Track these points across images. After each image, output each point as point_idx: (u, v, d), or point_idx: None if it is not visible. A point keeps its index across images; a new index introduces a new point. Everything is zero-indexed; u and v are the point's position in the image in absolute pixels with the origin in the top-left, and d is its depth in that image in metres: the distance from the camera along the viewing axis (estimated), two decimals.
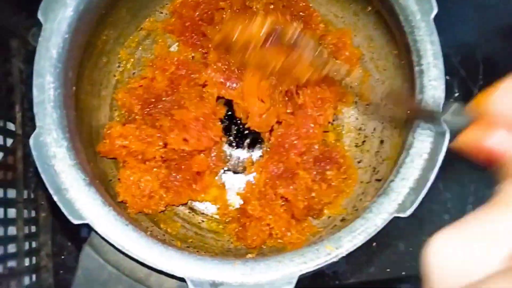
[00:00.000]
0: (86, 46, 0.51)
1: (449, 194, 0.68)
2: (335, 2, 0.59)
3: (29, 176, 0.70)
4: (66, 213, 0.40)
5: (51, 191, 0.41)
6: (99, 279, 0.42)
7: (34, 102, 0.42)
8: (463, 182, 0.69)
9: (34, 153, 0.41)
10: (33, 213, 0.70)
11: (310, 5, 0.58)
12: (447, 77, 0.71)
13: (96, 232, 0.40)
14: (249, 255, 0.47)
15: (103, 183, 0.52)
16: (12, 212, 0.65)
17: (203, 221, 0.59)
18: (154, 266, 0.40)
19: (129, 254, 0.40)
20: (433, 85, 0.43)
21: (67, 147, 0.42)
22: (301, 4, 0.56)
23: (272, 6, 0.56)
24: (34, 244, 0.69)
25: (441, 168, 0.44)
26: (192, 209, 0.60)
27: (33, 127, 0.43)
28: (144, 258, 0.40)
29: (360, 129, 0.61)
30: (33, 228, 0.70)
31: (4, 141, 0.65)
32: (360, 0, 0.54)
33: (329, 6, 0.60)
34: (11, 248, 0.62)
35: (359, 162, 0.59)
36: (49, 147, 0.41)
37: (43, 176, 0.41)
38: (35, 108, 0.42)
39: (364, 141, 0.60)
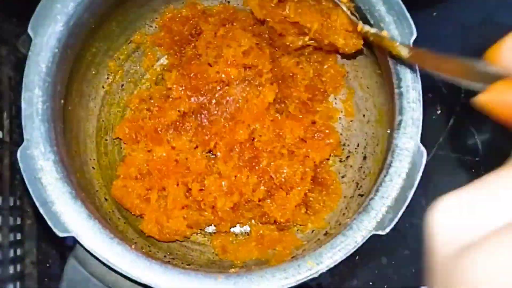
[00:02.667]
0: (76, 59, 0.51)
1: None
2: None
3: (15, 184, 0.70)
4: (51, 225, 0.41)
5: (37, 204, 0.41)
6: None
7: (23, 115, 0.42)
8: None
9: (21, 165, 0.42)
10: (18, 220, 0.70)
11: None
12: (430, 95, 0.74)
13: (81, 244, 0.41)
14: (233, 270, 0.48)
15: (89, 195, 0.53)
16: None
17: None
18: (138, 280, 0.41)
19: (114, 267, 0.40)
20: (411, 107, 0.44)
21: (54, 160, 0.42)
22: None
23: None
24: (19, 252, 0.69)
25: (423, 184, 0.46)
26: None
27: (21, 134, 0.43)
28: (128, 272, 0.40)
29: (344, 144, 0.62)
30: (18, 236, 0.70)
31: None
32: None
33: None
34: None
35: (343, 177, 0.61)
36: (36, 160, 0.42)
37: (30, 188, 0.41)
38: (23, 121, 0.42)
39: (348, 156, 0.62)
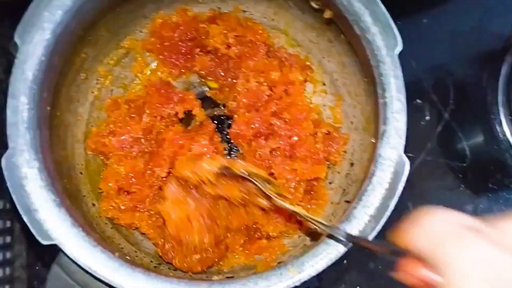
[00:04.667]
0: (64, 64, 0.51)
1: None
2: (311, 28, 0.61)
3: (5, 187, 0.70)
4: (35, 233, 0.41)
5: (21, 212, 0.41)
6: None
7: (7, 122, 0.43)
8: (431, 201, 0.71)
9: (5, 173, 0.42)
10: (8, 223, 0.70)
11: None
12: (419, 101, 0.74)
13: (64, 252, 0.41)
14: (216, 277, 0.48)
15: (76, 200, 0.53)
16: None
17: None
18: None
19: (96, 275, 0.40)
20: (395, 117, 0.45)
21: (39, 168, 0.42)
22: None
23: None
24: (8, 255, 0.69)
25: (411, 189, 0.47)
26: None
27: None
28: (110, 280, 0.40)
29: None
30: (8, 239, 0.70)
31: None
32: (334, 28, 0.56)
33: (305, 32, 0.62)
34: None
35: (330, 183, 0.61)
36: (20, 168, 0.42)
37: (13, 196, 0.42)
38: (8, 129, 0.42)
39: (335, 162, 0.62)
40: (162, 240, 0.55)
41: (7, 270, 0.68)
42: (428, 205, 0.71)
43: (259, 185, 0.48)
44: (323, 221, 0.43)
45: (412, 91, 0.47)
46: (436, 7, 0.77)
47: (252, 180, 0.48)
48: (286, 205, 0.46)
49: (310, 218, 0.44)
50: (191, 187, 0.50)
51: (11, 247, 0.70)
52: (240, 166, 0.49)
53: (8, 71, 0.72)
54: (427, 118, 0.74)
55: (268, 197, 0.48)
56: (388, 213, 0.43)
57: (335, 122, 0.62)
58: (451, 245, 0.27)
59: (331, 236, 0.43)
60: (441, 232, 0.28)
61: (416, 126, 0.73)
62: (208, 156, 0.52)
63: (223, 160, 0.49)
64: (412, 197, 0.71)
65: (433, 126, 0.74)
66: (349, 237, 0.41)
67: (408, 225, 0.30)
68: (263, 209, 0.53)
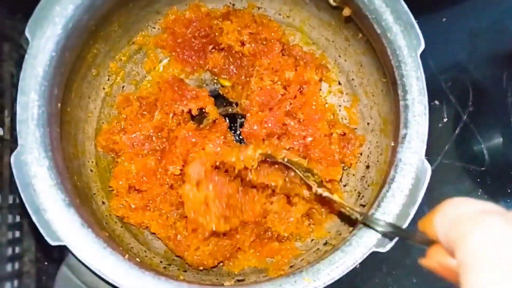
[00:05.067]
0: (76, 60, 0.50)
1: None
2: (327, 26, 0.59)
3: (15, 181, 0.69)
4: (44, 234, 0.40)
5: (30, 211, 0.41)
6: None
7: (17, 120, 0.42)
8: None
9: (14, 171, 0.41)
10: (17, 218, 0.70)
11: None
12: (437, 102, 0.72)
13: (73, 254, 0.40)
14: (227, 283, 0.47)
15: (86, 198, 0.52)
16: None
17: None
18: None
19: (105, 278, 0.39)
20: (417, 120, 0.43)
21: (48, 166, 0.41)
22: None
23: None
24: (17, 250, 0.69)
25: (427, 192, 0.45)
26: None
27: None
28: (120, 283, 0.39)
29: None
30: (17, 234, 0.69)
31: None
32: (351, 26, 0.54)
33: (321, 29, 0.60)
34: None
35: (344, 185, 0.60)
36: (30, 166, 0.41)
37: (22, 196, 0.41)
38: (18, 126, 0.42)
39: (350, 164, 0.60)
40: (174, 232, 0.54)
41: (16, 265, 0.68)
42: None
43: (300, 174, 0.48)
44: (360, 210, 0.44)
45: (430, 92, 0.45)
46: (456, 5, 0.75)
47: (294, 168, 0.48)
48: (327, 194, 0.46)
49: (349, 206, 0.45)
50: (219, 173, 0.50)
51: (20, 242, 0.70)
52: (283, 154, 0.49)
53: (19, 65, 0.72)
54: (445, 120, 0.72)
55: (309, 187, 0.48)
56: (408, 221, 0.42)
57: (351, 123, 0.61)
58: (463, 224, 0.27)
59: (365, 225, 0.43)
60: (459, 215, 0.27)
61: (434, 128, 0.71)
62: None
63: (267, 148, 0.50)
64: (428, 202, 0.69)
65: (451, 128, 0.72)
66: (387, 226, 0.41)
67: (432, 213, 0.30)
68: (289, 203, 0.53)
